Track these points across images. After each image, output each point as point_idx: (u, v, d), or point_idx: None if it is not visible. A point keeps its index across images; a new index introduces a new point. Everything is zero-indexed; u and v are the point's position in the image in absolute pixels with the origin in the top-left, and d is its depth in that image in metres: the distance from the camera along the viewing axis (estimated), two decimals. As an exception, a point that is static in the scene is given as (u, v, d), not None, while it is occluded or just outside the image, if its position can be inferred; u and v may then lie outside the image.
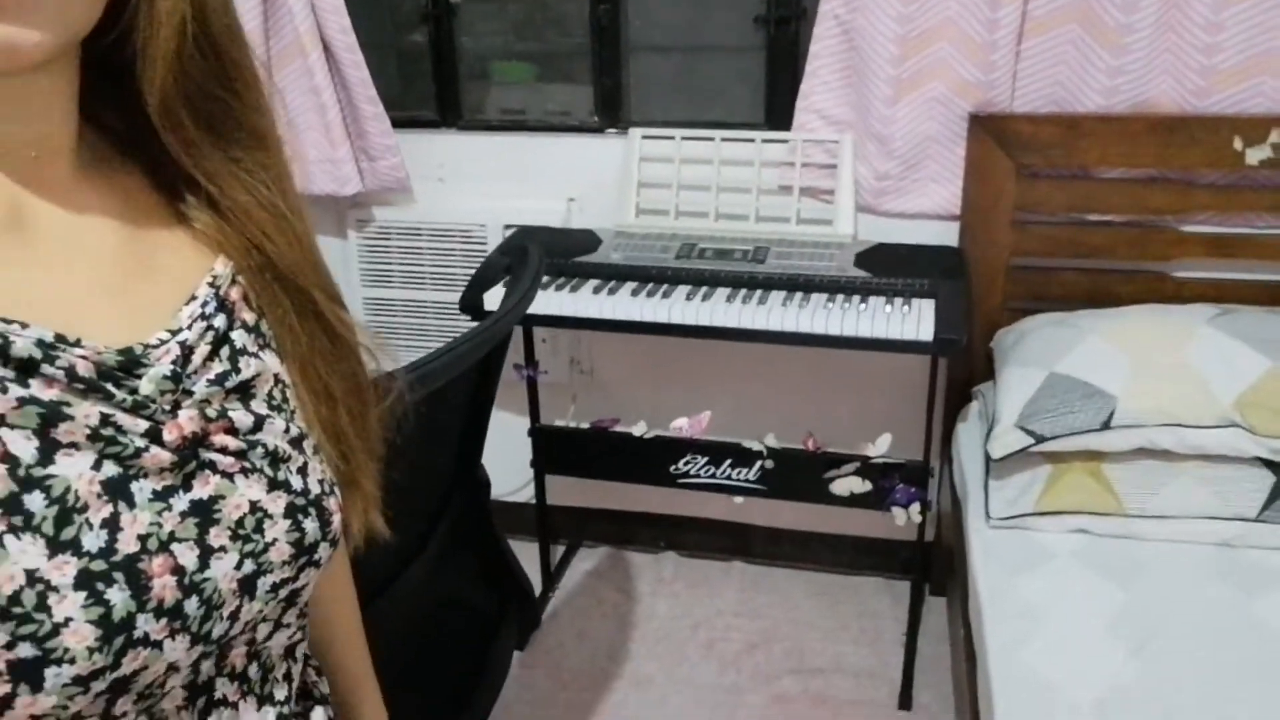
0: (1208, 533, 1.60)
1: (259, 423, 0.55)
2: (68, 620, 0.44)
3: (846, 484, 1.97)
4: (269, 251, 0.57)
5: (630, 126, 2.10)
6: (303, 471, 0.57)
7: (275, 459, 0.55)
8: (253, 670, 0.57)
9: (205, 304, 0.55)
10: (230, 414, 0.53)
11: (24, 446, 0.45)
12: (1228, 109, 1.78)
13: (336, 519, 0.58)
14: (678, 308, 1.83)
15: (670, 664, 2.08)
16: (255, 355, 0.56)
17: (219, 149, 0.54)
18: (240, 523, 0.52)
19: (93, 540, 0.46)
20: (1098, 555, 1.58)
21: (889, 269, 1.87)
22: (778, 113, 2.09)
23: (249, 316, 0.57)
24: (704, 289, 1.87)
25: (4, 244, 0.48)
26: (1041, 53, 1.83)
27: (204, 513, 0.51)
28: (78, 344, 0.47)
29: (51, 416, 0.46)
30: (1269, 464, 1.60)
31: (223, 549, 0.51)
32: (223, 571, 0.51)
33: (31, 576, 0.44)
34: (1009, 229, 1.91)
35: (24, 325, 0.46)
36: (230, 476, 0.53)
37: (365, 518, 0.65)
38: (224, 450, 0.52)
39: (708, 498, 2.15)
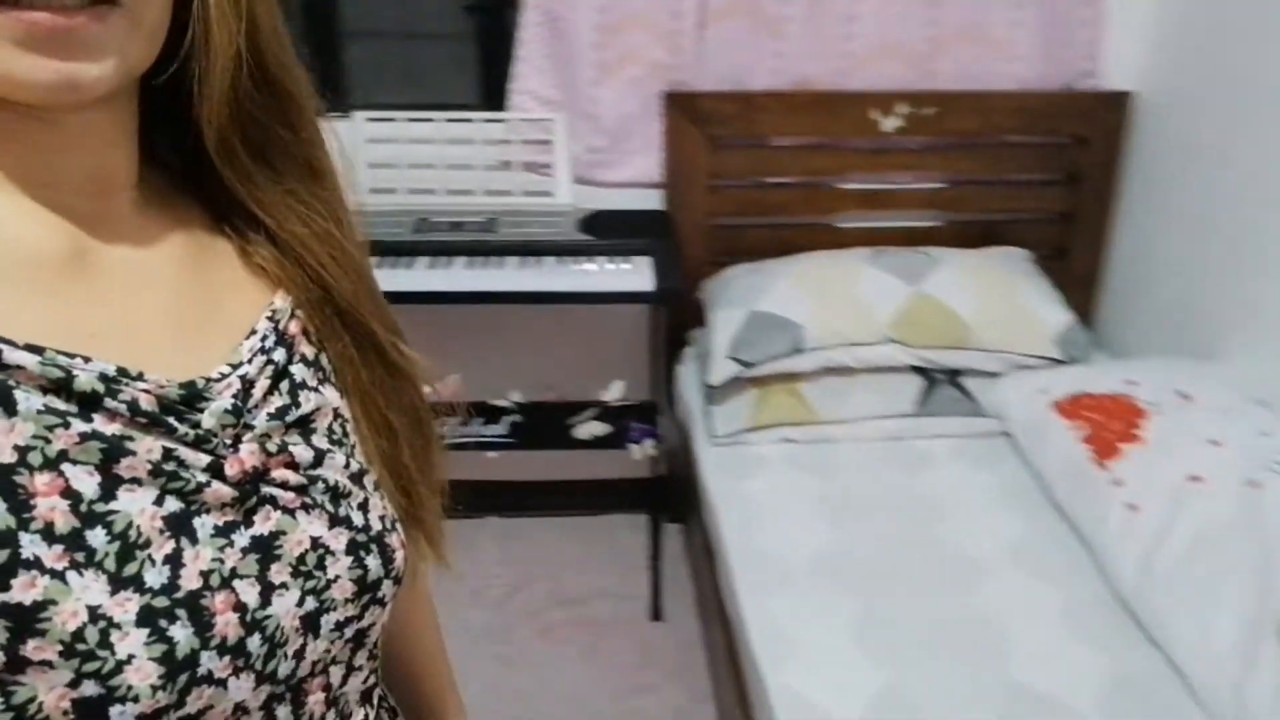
0: (880, 429, 1.97)
1: (319, 458, 0.54)
2: (131, 658, 0.44)
3: (588, 429, 2.18)
4: (327, 284, 0.57)
5: (352, 110, 2.18)
6: (364, 508, 0.56)
7: (336, 495, 0.54)
8: (330, 717, 0.56)
9: (265, 338, 0.54)
10: (291, 449, 0.52)
11: (86, 482, 0.44)
12: (865, 86, 2.16)
13: (399, 556, 0.57)
14: (419, 277, 1.95)
15: (441, 615, 2.20)
16: (315, 389, 0.56)
17: (275, 182, 0.55)
18: (302, 559, 0.52)
19: (155, 576, 0.46)
20: (801, 457, 1.90)
21: (608, 232, 2.09)
22: (494, 95, 2.25)
23: (308, 350, 0.57)
24: (442, 258, 2.00)
25: (66, 278, 0.48)
26: (721, 38, 2.12)
27: (265, 549, 0.50)
28: (140, 378, 0.47)
29: (114, 451, 0.45)
30: (918, 370, 2.00)
31: (284, 586, 0.50)
32: (285, 609, 0.50)
33: (94, 613, 0.43)
34: (705, 193, 2.20)
35: (86, 359, 0.45)
36: (291, 512, 0.52)
37: (432, 552, 0.65)
38: (285, 485, 0.52)
39: (458, 460, 2.27)
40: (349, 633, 0.55)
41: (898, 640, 1.43)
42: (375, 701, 0.62)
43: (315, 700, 0.54)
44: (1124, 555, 1.50)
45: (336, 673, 0.56)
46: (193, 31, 0.49)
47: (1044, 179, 2.26)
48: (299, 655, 0.51)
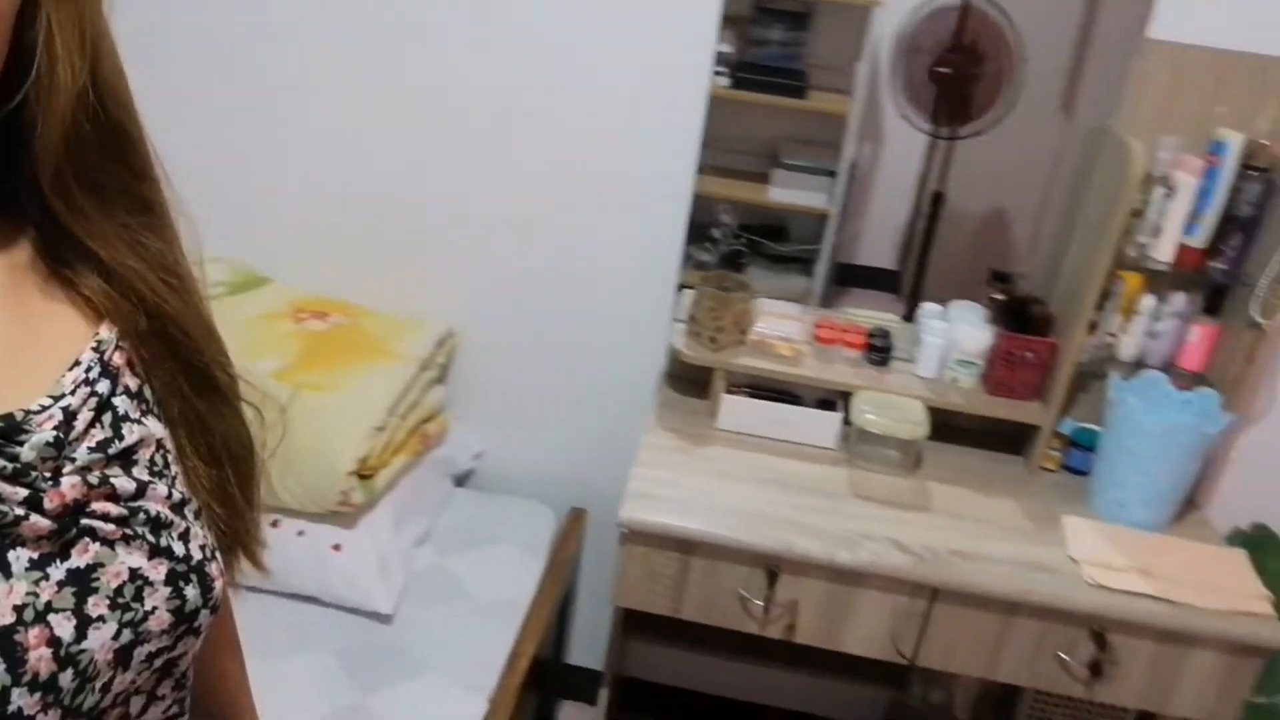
0: None
1: (141, 489, 0.53)
2: None
3: None
4: (157, 315, 0.56)
5: None
6: (184, 537, 0.55)
7: (157, 525, 0.53)
8: None
9: (89, 369, 0.53)
10: (112, 481, 0.51)
11: None
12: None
13: (218, 585, 0.57)
14: None
15: None
16: (138, 421, 0.55)
17: (107, 215, 0.54)
18: (119, 591, 0.51)
19: None
20: None
21: None
22: None
23: (132, 382, 0.56)
24: None
25: None
26: None
27: (82, 582, 0.49)
28: None
29: None
30: None
31: (101, 619, 0.49)
32: (100, 642, 0.49)
33: None
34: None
35: None
36: (111, 544, 0.51)
37: (252, 565, 0.65)
38: (105, 517, 0.51)
39: None
40: (158, 663, 0.54)
41: None
42: None
43: None
44: None
45: (137, 702, 0.55)
46: (37, 69, 0.48)
47: None
48: (106, 688, 0.51)
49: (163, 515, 0.54)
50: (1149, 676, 1.53)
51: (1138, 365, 1.78)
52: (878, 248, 2.04)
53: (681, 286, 1.91)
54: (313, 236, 2.00)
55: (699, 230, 1.90)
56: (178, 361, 0.58)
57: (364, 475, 1.70)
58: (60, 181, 0.52)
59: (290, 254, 2.01)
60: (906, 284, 2.02)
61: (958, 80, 1.87)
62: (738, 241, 1.97)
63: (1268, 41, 1.61)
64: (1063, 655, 1.53)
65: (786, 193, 1.93)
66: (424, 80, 1.84)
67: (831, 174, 1.91)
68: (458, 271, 1.98)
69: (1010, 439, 1.87)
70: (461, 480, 2.12)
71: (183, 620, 0.55)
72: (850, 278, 2.05)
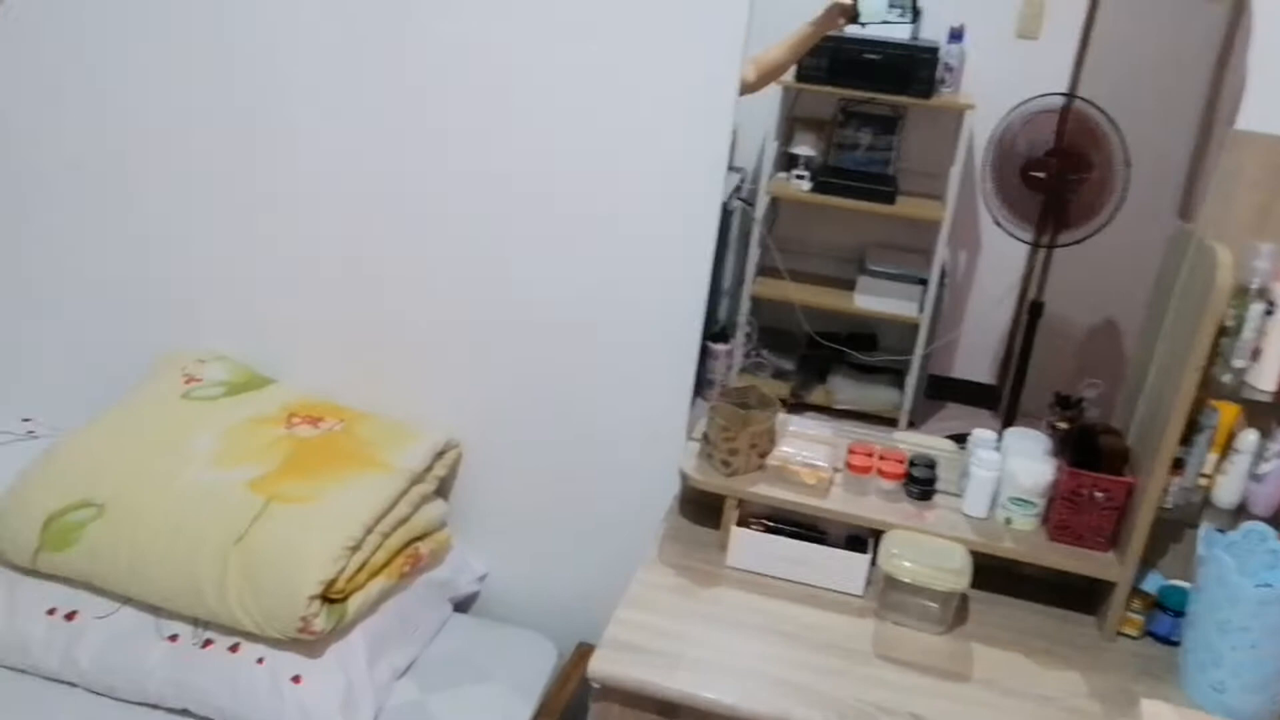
0: None
1: None
2: None
3: None
4: None
5: None
6: None
7: None
8: None
9: None
10: None
11: None
12: None
13: None
14: None
15: None
16: None
17: None
18: None
19: None
20: None
21: None
22: None
23: None
24: None
25: None
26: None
27: None
28: None
29: None
30: None
31: None
32: None
33: None
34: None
35: None
36: None
37: None
38: None
39: None
40: None
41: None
42: None
43: None
44: None
45: None
46: None
47: None
48: None
49: None
50: None
51: (1239, 513, 1.48)
52: (975, 360, 1.84)
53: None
54: (317, 337, 1.90)
55: (780, 338, 1.80)
56: None
57: (333, 599, 1.55)
58: None
59: (293, 353, 1.92)
60: (1005, 400, 1.81)
61: (1057, 185, 1.67)
62: (816, 350, 1.81)
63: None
64: None
65: (873, 300, 1.80)
66: (429, 178, 1.74)
67: (922, 282, 1.76)
68: (463, 377, 1.84)
69: (1083, 595, 1.57)
70: (464, 604, 1.94)
71: None
72: (945, 391, 1.85)
